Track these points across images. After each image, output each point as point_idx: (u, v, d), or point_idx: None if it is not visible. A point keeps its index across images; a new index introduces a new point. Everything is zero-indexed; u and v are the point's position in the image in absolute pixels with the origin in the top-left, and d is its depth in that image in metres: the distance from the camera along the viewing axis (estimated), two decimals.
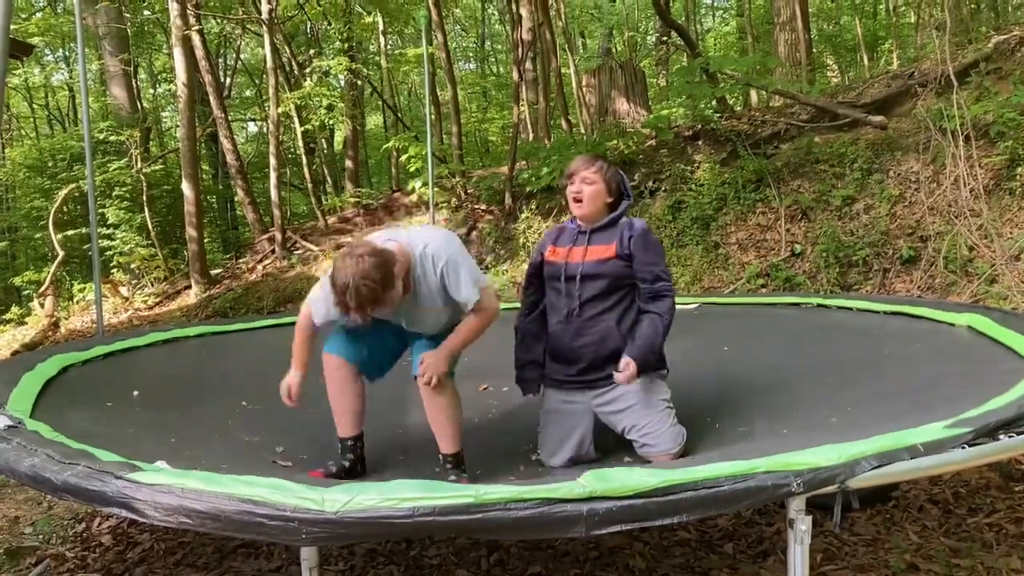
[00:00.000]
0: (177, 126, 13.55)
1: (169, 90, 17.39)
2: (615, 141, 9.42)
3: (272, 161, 11.75)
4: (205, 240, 12.19)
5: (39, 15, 16.00)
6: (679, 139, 9.38)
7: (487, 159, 16.65)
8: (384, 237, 2.71)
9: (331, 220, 12.21)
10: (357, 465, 2.91)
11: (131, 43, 14.09)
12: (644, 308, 2.82)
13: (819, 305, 4.71)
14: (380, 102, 17.62)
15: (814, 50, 12.80)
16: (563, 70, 13.21)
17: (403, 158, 11.15)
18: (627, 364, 2.74)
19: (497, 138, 18.65)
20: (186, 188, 11.19)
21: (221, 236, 16.07)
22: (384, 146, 13.10)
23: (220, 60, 16.69)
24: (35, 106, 20.22)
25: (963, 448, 1.97)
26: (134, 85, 14.63)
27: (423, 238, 2.73)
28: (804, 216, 7.67)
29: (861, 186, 7.48)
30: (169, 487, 1.78)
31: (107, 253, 11.85)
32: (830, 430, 2.49)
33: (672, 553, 2.82)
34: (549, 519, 1.71)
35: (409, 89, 21.07)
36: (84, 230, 11.82)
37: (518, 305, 3.16)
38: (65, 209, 12.96)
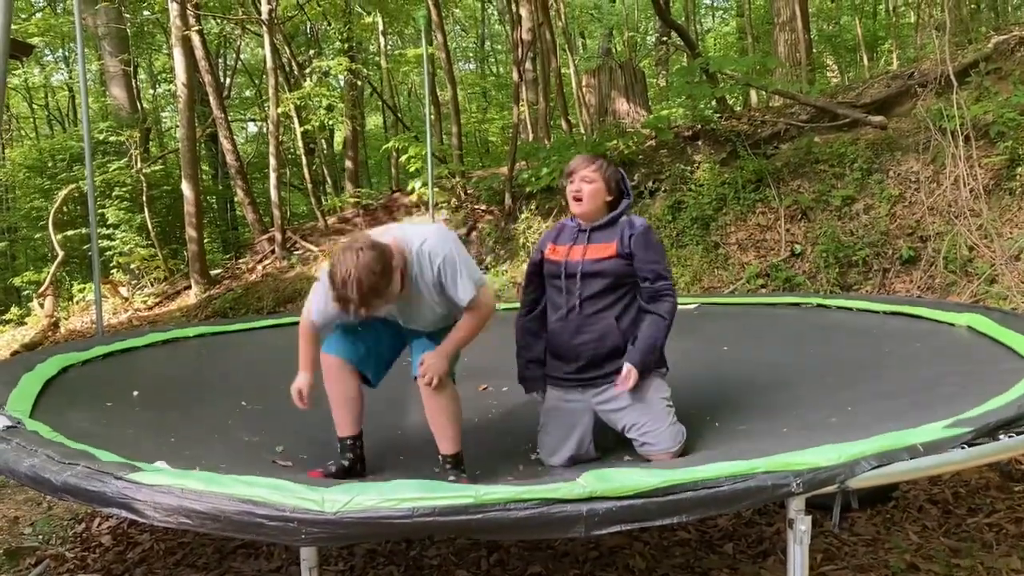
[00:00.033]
0: (177, 126, 13.55)
1: (169, 90, 17.39)
2: (615, 141, 9.42)
3: (272, 161, 11.75)
4: (205, 240, 12.20)
5: (39, 15, 16.00)
6: (679, 139, 9.38)
7: (487, 159, 16.66)
8: (381, 233, 2.71)
9: (331, 220, 12.22)
10: (357, 465, 2.91)
11: (131, 43, 14.10)
12: (645, 308, 2.81)
13: (819, 305, 4.71)
14: (380, 102, 17.62)
15: (814, 50, 12.81)
16: (563, 70, 13.22)
17: (403, 158, 11.15)
18: (628, 372, 2.74)
19: (497, 138, 18.65)
20: (186, 188, 11.19)
21: (221, 236, 16.07)
22: (384, 146, 13.10)
23: (220, 60, 16.69)
24: (35, 106, 20.22)
25: (963, 448, 1.97)
26: (134, 85, 14.63)
27: (420, 235, 2.73)
28: (804, 216, 7.67)
29: (861, 186, 7.48)
30: (169, 487, 1.78)
31: (107, 253, 11.86)
32: (830, 430, 2.50)
33: (672, 553, 2.82)
34: (549, 519, 1.71)
35: (409, 89, 21.07)
36: (84, 230, 11.82)
37: (519, 305, 3.16)
38: (65, 209, 12.97)
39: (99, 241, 8.06)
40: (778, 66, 10.63)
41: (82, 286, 12.29)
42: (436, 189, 9.57)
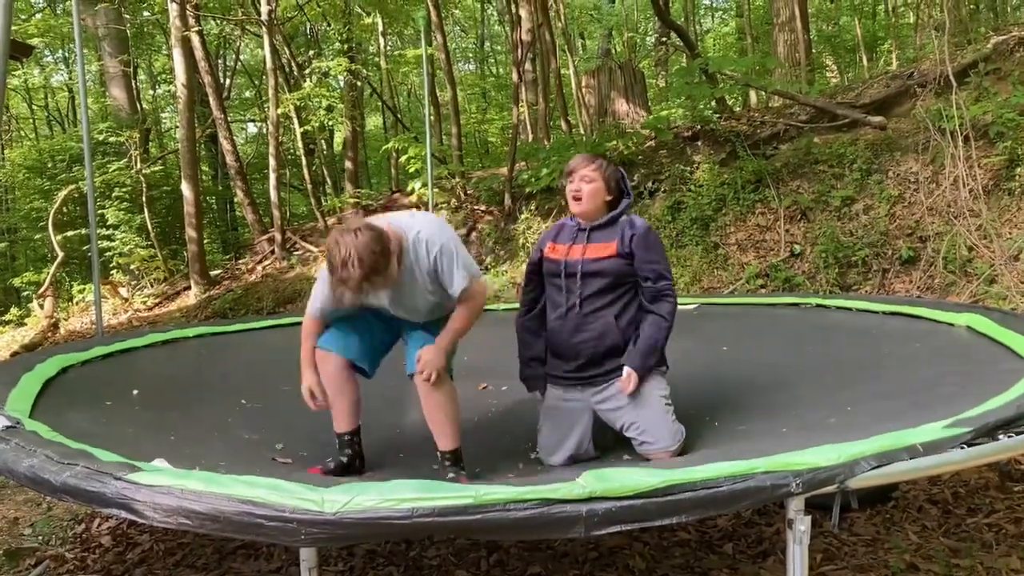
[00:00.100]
0: (177, 127, 13.55)
1: (169, 91, 17.39)
2: (614, 142, 9.42)
3: (271, 162, 11.75)
4: (205, 241, 12.20)
5: (39, 16, 16.00)
6: (678, 140, 9.38)
7: (487, 160, 16.66)
8: (375, 220, 2.71)
9: (331, 221, 12.21)
10: (356, 460, 2.91)
11: (130, 44, 14.09)
12: (647, 308, 2.81)
13: (818, 305, 4.71)
14: (380, 103, 17.62)
15: (813, 51, 12.81)
16: (562, 71, 13.22)
17: (403, 159, 11.15)
18: (628, 376, 2.74)
19: (497, 139, 18.65)
20: (185, 189, 11.19)
21: (221, 237, 16.07)
22: (384, 147, 13.10)
23: (220, 61, 16.69)
24: (35, 107, 20.23)
25: (962, 448, 1.97)
26: (134, 86, 14.62)
27: (416, 224, 2.73)
28: (803, 216, 7.68)
29: (860, 186, 7.49)
30: (168, 488, 1.78)
31: (107, 254, 11.86)
32: (829, 430, 2.50)
33: (672, 553, 2.82)
34: (548, 520, 1.71)
35: (409, 90, 21.07)
36: (84, 231, 11.82)
37: (518, 305, 3.16)
38: (64, 210, 12.97)
39: (99, 242, 8.06)
40: (777, 66, 10.64)
41: (82, 287, 12.29)
42: (436, 189, 9.57)
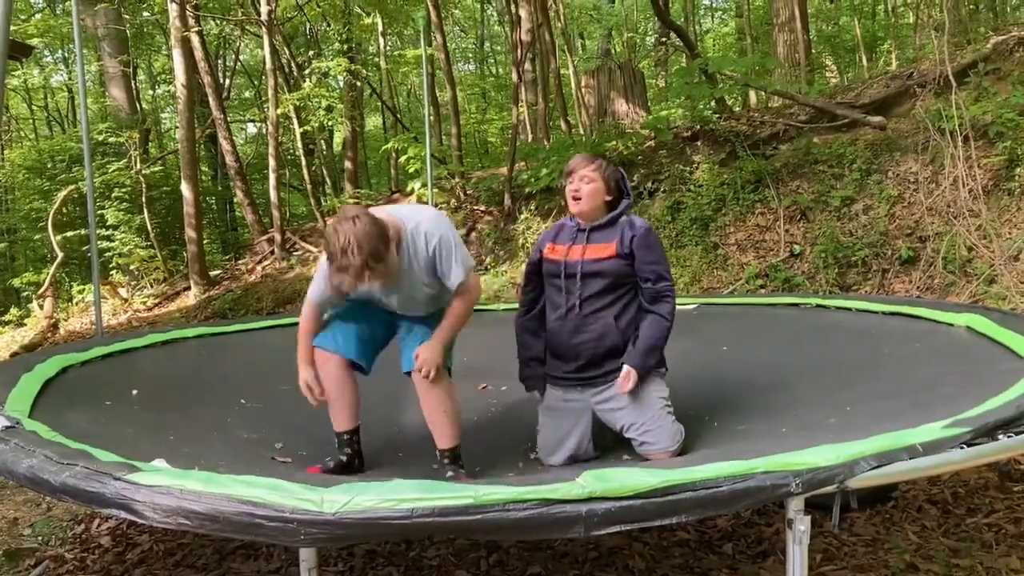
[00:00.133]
0: (176, 127, 13.55)
1: (168, 91, 17.40)
2: (614, 142, 9.42)
3: (271, 162, 11.75)
4: (204, 241, 12.20)
5: (38, 16, 16.00)
6: (678, 140, 9.38)
7: (486, 160, 16.66)
8: (374, 210, 2.71)
9: (330, 221, 12.20)
10: (355, 460, 2.92)
11: (130, 44, 14.09)
12: (647, 309, 2.81)
13: (818, 305, 4.71)
14: (379, 103, 17.62)
15: (813, 51, 12.81)
16: (562, 71, 13.21)
17: (402, 159, 11.15)
18: (627, 374, 2.74)
19: (496, 139, 18.65)
20: (185, 189, 11.19)
21: (220, 237, 16.07)
22: (383, 147, 13.10)
23: (219, 61, 16.69)
24: (34, 107, 20.23)
25: (962, 448, 1.97)
26: (133, 86, 14.63)
27: (415, 215, 2.73)
28: (803, 217, 7.68)
29: (860, 187, 7.49)
30: (168, 488, 1.78)
31: (106, 254, 11.86)
32: (829, 430, 2.49)
33: (671, 554, 2.82)
34: (548, 520, 1.71)
35: (408, 90, 21.07)
36: (83, 231, 11.82)
37: (518, 305, 3.16)
38: (64, 210, 12.97)
39: (98, 242, 8.06)
40: (777, 67, 10.64)
41: (81, 287, 12.30)
42: (435, 190, 9.57)
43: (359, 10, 13.66)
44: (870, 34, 14.93)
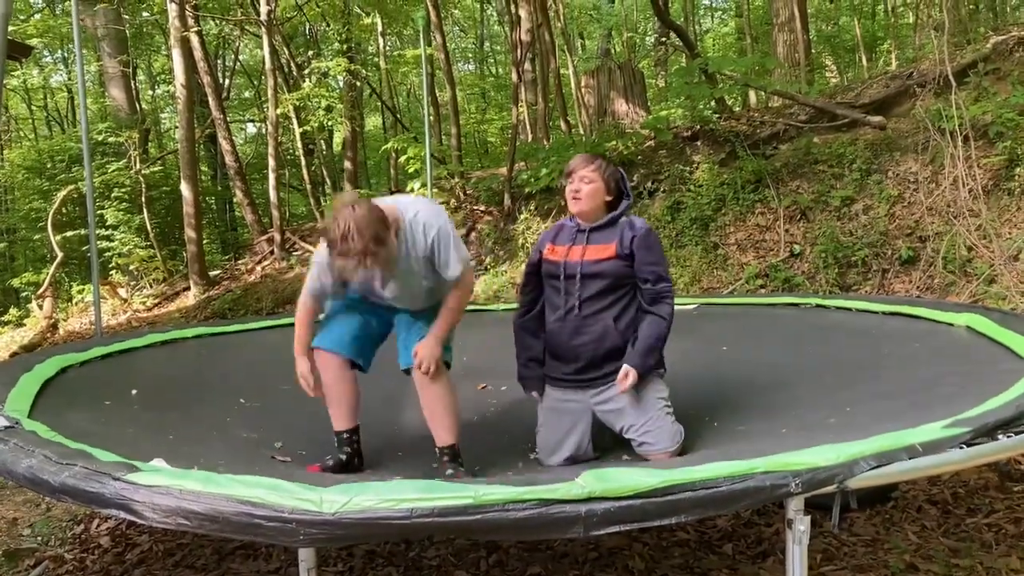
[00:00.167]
0: (176, 127, 13.55)
1: (168, 91, 17.40)
2: (614, 142, 9.42)
3: (271, 162, 11.75)
4: (204, 241, 12.19)
5: (38, 16, 16.00)
6: (678, 140, 9.38)
7: (486, 160, 16.65)
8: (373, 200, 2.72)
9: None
10: (354, 459, 2.92)
11: (130, 44, 14.10)
12: (646, 309, 2.81)
13: (818, 305, 4.71)
14: (379, 103, 17.61)
15: (813, 51, 12.81)
16: (562, 71, 13.21)
17: (402, 159, 11.15)
18: (626, 374, 2.73)
19: (496, 139, 18.64)
20: (185, 189, 11.19)
21: (220, 237, 16.06)
22: (383, 147, 13.09)
23: (219, 61, 16.69)
24: (34, 107, 20.23)
25: (961, 448, 1.97)
26: (133, 86, 14.63)
27: (412, 206, 2.74)
28: (803, 217, 7.67)
29: (860, 186, 7.49)
30: (167, 488, 1.78)
31: (106, 254, 11.85)
32: (829, 430, 2.49)
33: (671, 554, 2.82)
34: (547, 520, 1.71)
35: (408, 90, 21.06)
36: (83, 231, 11.83)
37: (517, 306, 3.15)
38: (64, 210, 12.96)
39: (98, 242, 8.06)
40: (777, 66, 10.63)
41: (81, 287, 12.29)
42: (435, 190, 9.57)
43: (358, 10, 13.65)
44: (870, 34, 14.93)
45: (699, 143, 9.12)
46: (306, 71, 12.82)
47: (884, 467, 1.87)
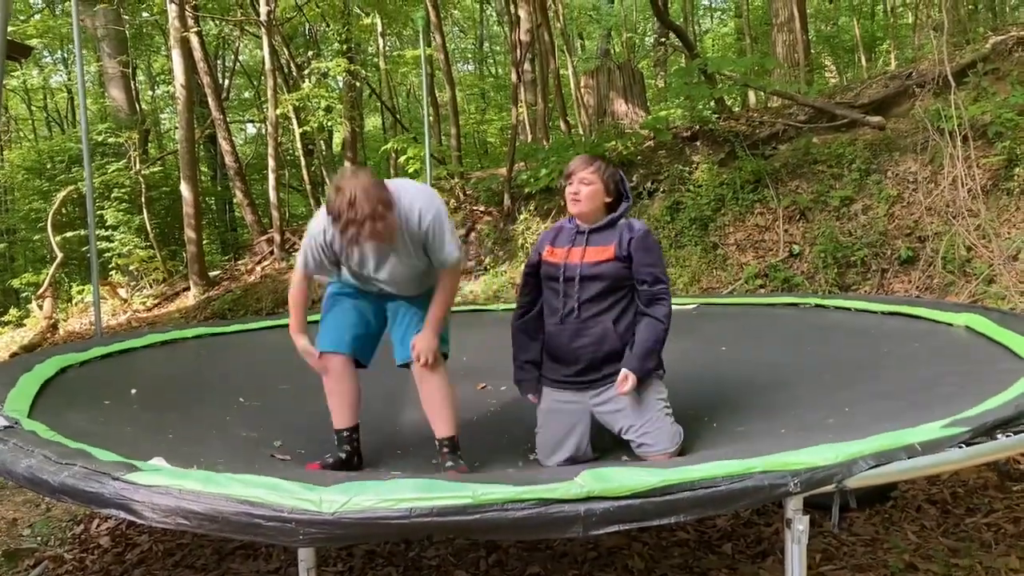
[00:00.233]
0: (176, 128, 13.55)
1: (168, 92, 17.40)
2: (613, 142, 9.43)
3: (270, 163, 11.75)
4: (204, 242, 12.20)
5: (37, 17, 16.00)
6: (677, 140, 9.39)
7: (486, 160, 16.65)
8: None
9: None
10: (354, 457, 2.93)
11: (130, 45, 14.10)
12: (643, 311, 2.81)
13: (817, 305, 4.71)
14: (379, 103, 17.62)
15: (812, 51, 12.81)
16: (561, 71, 13.21)
17: (401, 159, 11.15)
18: (625, 377, 2.74)
19: (496, 139, 18.65)
20: (184, 190, 11.19)
21: (220, 238, 16.08)
22: (383, 147, 13.10)
23: (219, 62, 16.70)
24: (34, 108, 20.24)
25: (960, 447, 1.97)
26: (133, 87, 14.64)
27: (409, 189, 2.75)
28: (802, 217, 7.68)
29: (859, 186, 7.49)
30: (166, 488, 1.78)
31: (106, 255, 11.86)
32: (828, 430, 2.49)
33: (671, 553, 2.82)
34: (547, 519, 1.71)
35: (407, 90, 21.07)
36: (83, 232, 11.84)
37: (515, 307, 3.15)
38: (64, 211, 12.97)
39: (98, 243, 8.06)
40: (776, 67, 10.64)
41: (81, 288, 12.29)
42: (434, 190, 9.56)
43: (358, 10, 13.66)
44: (869, 34, 14.94)
45: (698, 143, 9.13)
46: (306, 71, 12.83)
47: (883, 467, 1.87)
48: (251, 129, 20.01)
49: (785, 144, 8.52)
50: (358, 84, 14.18)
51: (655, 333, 2.76)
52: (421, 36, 9.43)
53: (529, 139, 12.36)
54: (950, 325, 3.69)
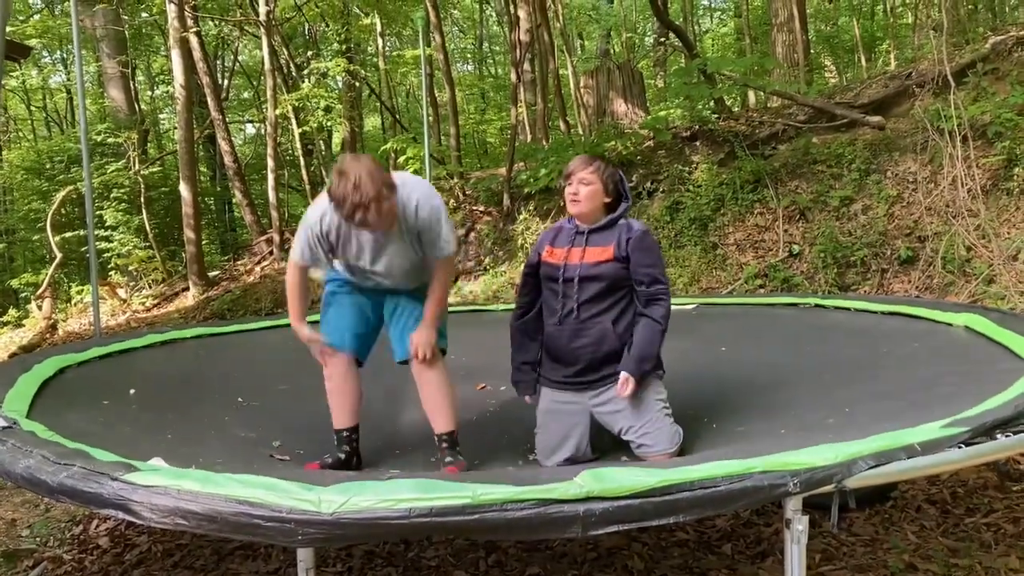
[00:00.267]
0: (175, 128, 13.55)
1: (167, 92, 17.39)
2: (613, 142, 9.43)
3: (270, 163, 11.75)
4: (203, 242, 12.20)
5: (37, 17, 16.00)
6: (677, 140, 9.38)
7: (485, 160, 16.65)
8: None
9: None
10: (353, 458, 2.93)
11: (129, 45, 14.10)
12: (641, 312, 2.80)
13: (817, 305, 4.71)
14: (378, 104, 17.62)
15: (812, 51, 12.81)
16: (561, 71, 13.21)
17: (401, 159, 11.15)
18: (625, 381, 2.74)
19: (495, 139, 18.65)
20: (184, 190, 11.19)
21: (219, 238, 16.07)
22: (382, 147, 13.09)
23: (218, 62, 16.69)
24: (33, 108, 20.24)
25: (960, 447, 1.96)
26: (132, 87, 14.63)
27: (407, 181, 2.75)
28: (802, 217, 7.68)
29: (859, 186, 7.49)
30: (165, 488, 1.78)
31: (105, 255, 11.86)
32: (827, 430, 2.49)
33: (670, 554, 2.82)
34: (546, 519, 1.71)
35: (407, 91, 21.07)
36: (82, 232, 11.83)
37: (514, 307, 3.15)
38: (63, 211, 12.96)
39: (97, 243, 8.06)
40: (776, 67, 10.64)
41: (80, 288, 12.29)
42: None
43: (358, 10, 13.66)
44: (869, 34, 14.94)
45: (698, 143, 9.13)
46: (305, 71, 12.82)
47: (883, 467, 1.87)
48: (250, 129, 20.02)
49: (785, 144, 8.52)
50: (357, 84, 14.19)
51: (652, 334, 2.76)
52: (421, 36, 9.43)
53: (529, 139, 12.36)
54: (950, 325, 3.68)
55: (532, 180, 9.37)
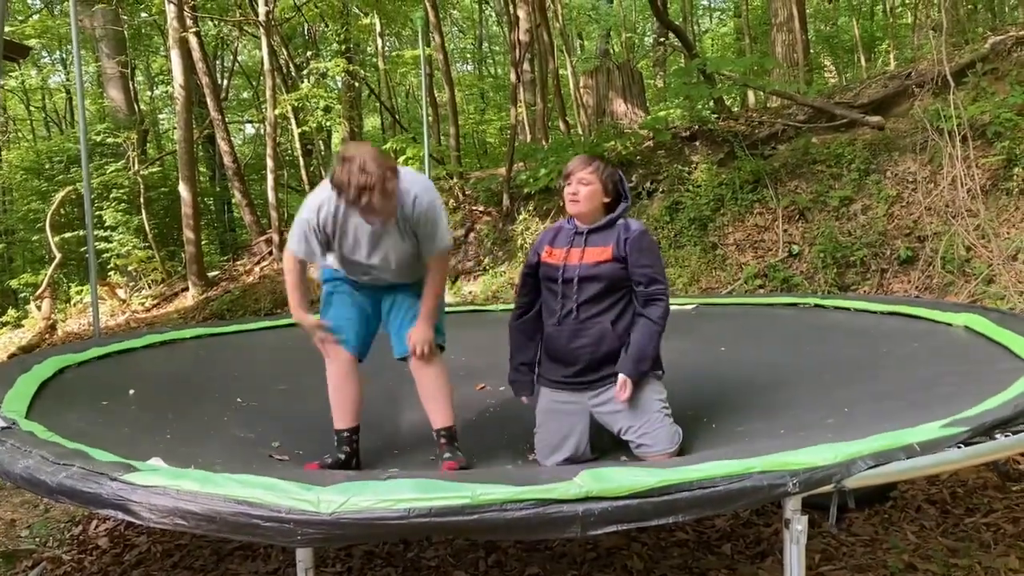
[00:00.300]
0: (174, 128, 13.54)
1: (166, 92, 17.40)
2: (613, 142, 9.43)
3: (269, 163, 11.74)
4: (202, 242, 12.20)
5: (36, 17, 15.99)
6: (676, 140, 9.38)
7: (485, 160, 16.65)
8: None
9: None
10: (352, 458, 2.93)
11: (128, 45, 14.10)
12: (639, 312, 2.80)
13: (816, 305, 4.71)
14: (377, 104, 17.62)
15: (811, 51, 12.82)
16: (561, 71, 13.22)
17: (401, 159, 11.15)
18: (623, 383, 2.74)
19: (495, 139, 18.65)
20: (183, 190, 11.19)
21: (219, 238, 16.07)
22: (381, 148, 13.10)
23: (217, 62, 16.69)
24: (32, 108, 20.23)
25: (959, 447, 1.96)
26: (131, 87, 14.63)
27: (405, 175, 2.75)
28: (802, 217, 7.68)
29: (858, 186, 7.49)
30: (164, 488, 1.78)
31: (104, 255, 11.85)
32: (827, 430, 2.49)
33: (670, 554, 2.82)
34: (545, 520, 1.70)
35: (407, 91, 21.07)
36: (81, 232, 11.82)
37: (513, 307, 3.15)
38: (62, 211, 12.96)
39: (96, 243, 8.06)
40: (775, 67, 10.64)
41: (79, 288, 12.29)
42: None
43: (357, 10, 13.65)
44: (868, 34, 14.94)
45: (697, 143, 9.12)
46: (304, 72, 12.82)
47: (882, 467, 1.87)
48: (250, 129, 20.01)
49: (784, 144, 8.52)
50: (357, 84, 14.19)
51: (649, 334, 2.76)
52: (420, 36, 9.43)
53: (528, 139, 12.35)
54: (949, 325, 3.68)
55: (532, 180, 9.37)
